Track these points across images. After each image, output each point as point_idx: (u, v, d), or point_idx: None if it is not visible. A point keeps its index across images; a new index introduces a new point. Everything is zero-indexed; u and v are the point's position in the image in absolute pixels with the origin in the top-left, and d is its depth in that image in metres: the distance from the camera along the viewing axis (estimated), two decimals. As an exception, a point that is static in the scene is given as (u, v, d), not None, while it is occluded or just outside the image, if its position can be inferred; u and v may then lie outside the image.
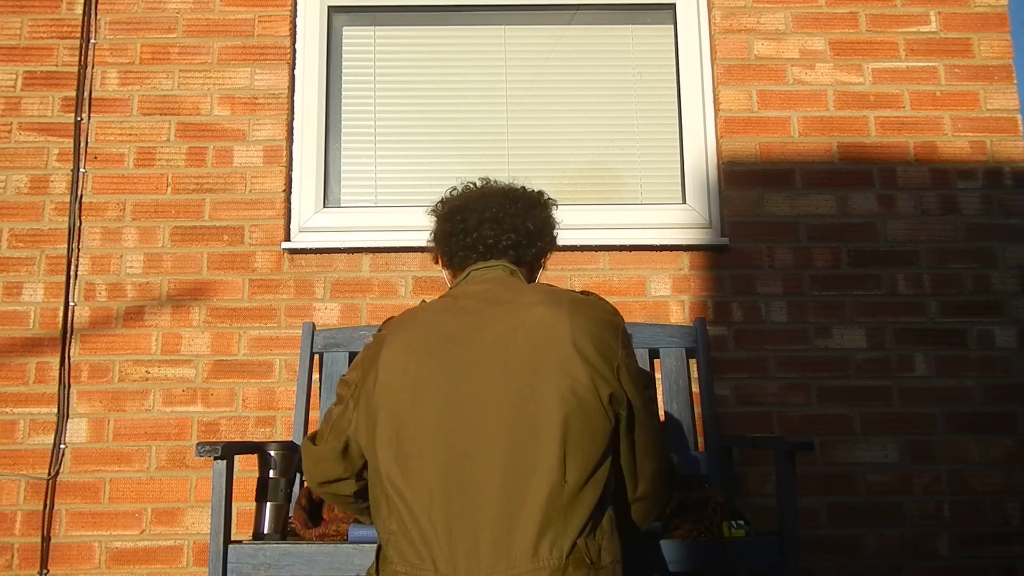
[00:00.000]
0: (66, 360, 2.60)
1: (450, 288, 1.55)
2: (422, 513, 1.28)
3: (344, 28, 2.93)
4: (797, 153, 2.74)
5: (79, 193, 2.69)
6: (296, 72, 2.82)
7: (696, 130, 2.81)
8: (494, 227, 1.53)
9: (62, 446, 2.55)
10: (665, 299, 2.66)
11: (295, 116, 2.79)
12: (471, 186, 1.65)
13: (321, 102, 2.82)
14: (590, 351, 1.34)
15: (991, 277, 2.69)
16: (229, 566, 1.90)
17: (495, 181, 1.66)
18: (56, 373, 2.59)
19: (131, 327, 2.62)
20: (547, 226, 1.62)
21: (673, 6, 2.92)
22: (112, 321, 2.63)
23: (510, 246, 1.54)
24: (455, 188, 1.67)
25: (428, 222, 1.68)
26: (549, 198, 1.67)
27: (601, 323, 1.40)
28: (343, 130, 2.86)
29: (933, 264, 2.69)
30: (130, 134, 2.73)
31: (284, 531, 2.03)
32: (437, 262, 1.66)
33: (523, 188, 1.65)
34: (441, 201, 1.66)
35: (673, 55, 2.90)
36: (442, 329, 1.39)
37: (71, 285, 2.64)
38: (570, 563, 1.24)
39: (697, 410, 2.53)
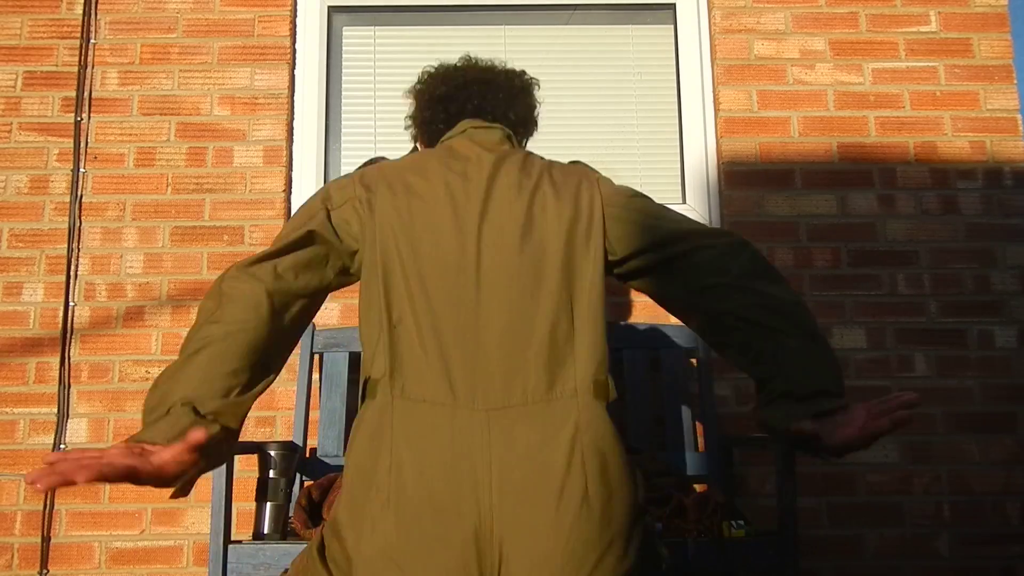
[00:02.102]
0: (66, 360, 2.60)
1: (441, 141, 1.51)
2: (432, 342, 1.24)
3: (344, 28, 2.92)
4: (797, 153, 2.74)
5: (79, 193, 2.69)
6: (296, 72, 2.82)
7: (696, 130, 2.81)
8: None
9: (62, 446, 2.55)
10: (665, 299, 2.66)
11: (295, 116, 2.79)
12: (451, 68, 1.59)
13: (321, 102, 2.82)
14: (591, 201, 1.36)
15: (991, 277, 2.69)
16: (229, 566, 1.90)
17: (476, 60, 1.61)
18: (56, 373, 2.59)
19: (131, 327, 2.62)
20: (530, 115, 1.61)
21: (673, 6, 2.92)
22: (112, 321, 2.62)
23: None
24: (434, 68, 1.61)
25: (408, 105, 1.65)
26: (531, 79, 1.64)
27: (590, 181, 1.40)
28: (343, 130, 2.86)
29: (933, 264, 2.69)
30: (130, 134, 2.73)
31: (284, 531, 2.03)
32: (416, 142, 1.63)
33: (504, 70, 1.60)
34: (420, 82, 1.60)
35: (673, 55, 2.90)
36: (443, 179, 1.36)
37: (71, 285, 2.64)
38: (587, 394, 1.24)
39: (697, 410, 2.53)
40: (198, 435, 1.06)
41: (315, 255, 1.36)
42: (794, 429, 1.24)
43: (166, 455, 1.07)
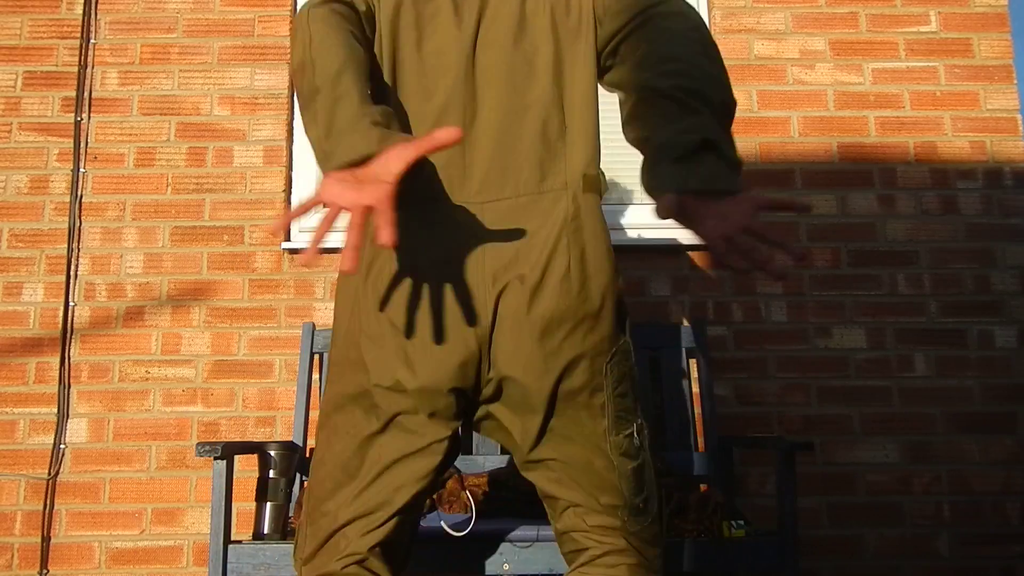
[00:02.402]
0: (66, 360, 2.60)
1: None
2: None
3: (344, 28, 2.92)
4: (797, 153, 2.74)
5: (79, 193, 2.69)
6: (296, 72, 2.82)
7: (696, 130, 2.80)
8: None
9: (62, 446, 2.55)
10: (665, 299, 2.66)
11: (295, 116, 2.79)
12: None
13: (321, 102, 2.81)
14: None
15: (991, 277, 2.69)
16: (229, 566, 1.90)
17: None
18: (56, 373, 2.59)
19: (131, 327, 2.62)
20: None
21: (673, 6, 2.92)
22: (112, 321, 2.62)
23: None
24: None
25: None
26: None
27: None
28: (343, 130, 2.85)
29: (933, 264, 2.69)
30: (130, 134, 2.73)
31: (284, 531, 2.03)
32: None
33: None
34: None
35: (673, 55, 2.90)
36: None
37: (71, 285, 2.64)
38: (576, 187, 1.28)
39: (697, 410, 2.53)
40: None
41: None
42: (665, 199, 1.16)
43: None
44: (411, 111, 1.29)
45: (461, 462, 2.31)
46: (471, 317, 1.22)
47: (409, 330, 1.22)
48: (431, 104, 1.29)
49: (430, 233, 1.25)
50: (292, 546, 1.93)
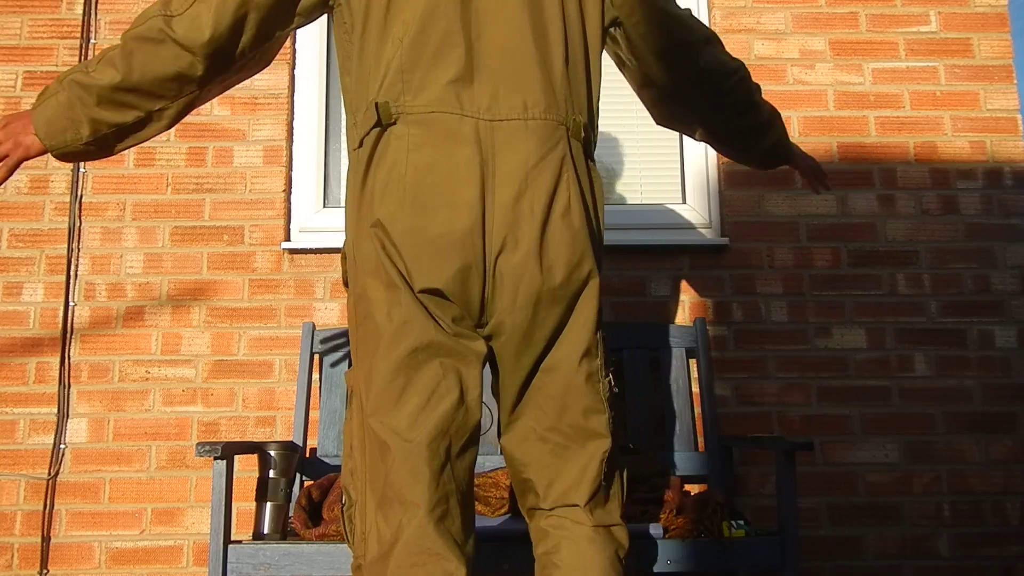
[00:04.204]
0: (66, 360, 2.60)
1: None
2: (438, 58, 1.31)
3: (344, 28, 2.92)
4: (797, 153, 2.74)
5: (79, 193, 2.69)
6: (296, 72, 2.82)
7: (696, 130, 2.81)
8: None
9: (62, 446, 2.55)
10: (665, 299, 2.66)
11: (295, 116, 2.79)
12: None
13: (321, 102, 2.82)
14: None
15: (991, 277, 2.69)
16: (229, 566, 1.90)
17: None
18: (56, 373, 2.59)
19: (131, 327, 2.62)
20: None
21: (673, 6, 2.92)
22: (112, 321, 2.63)
23: None
24: None
25: None
26: None
27: None
28: (343, 130, 2.85)
29: (933, 264, 2.69)
30: (130, 134, 2.73)
31: (284, 531, 2.03)
32: None
33: None
34: None
35: (673, 55, 2.90)
36: None
37: (71, 285, 2.64)
38: (571, 129, 1.35)
39: (697, 410, 2.53)
40: None
41: None
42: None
43: None
44: (420, 29, 1.31)
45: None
46: (475, 234, 1.26)
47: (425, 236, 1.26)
48: (437, 22, 1.31)
49: (442, 144, 1.28)
50: (292, 546, 1.93)
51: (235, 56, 1.38)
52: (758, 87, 1.70)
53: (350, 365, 1.36)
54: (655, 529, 1.93)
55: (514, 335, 1.30)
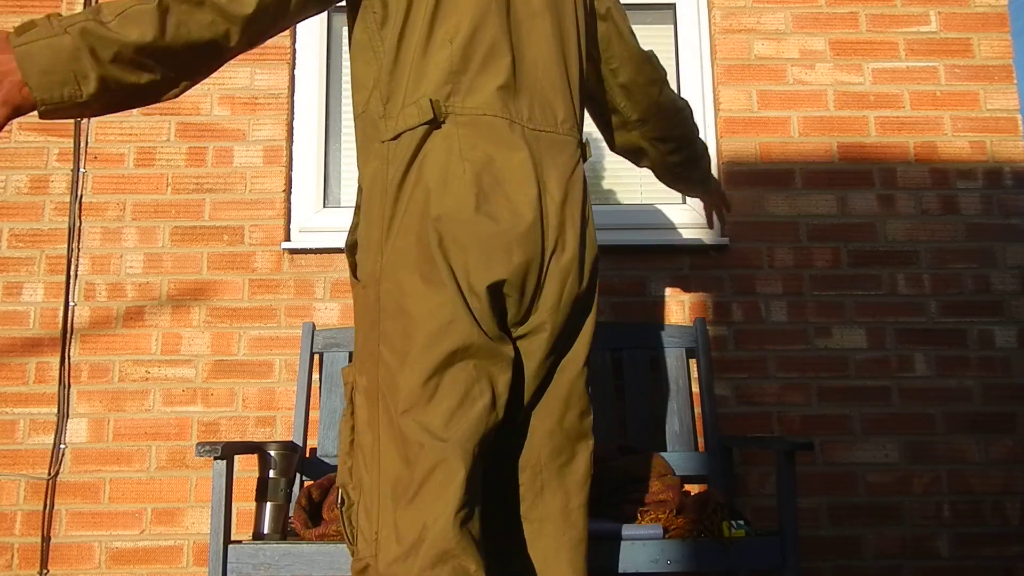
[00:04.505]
0: (66, 360, 2.60)
1: None
2: (487, 63, 1.35)
3: (344, 28, 2.93)
4: (797, 153, 2.74)
5: (79, 193, 2.69)
6: (296, 72, 2.82)
7: (696, 130, 2.81)
8: None
9: (62, 446, 2.55)
10: (665, 299, 2.66)
11: (295, 116, 2.79)
12: None
13: (321, 102, 2.82)
14: None
15: (991, 277, 2.69)
16: (229, 566, 1.90)
17: None
18: (56, 373, 2.59)
19: (131, 327, 2.62)
20: None
21: (673, 6, 2.92)
22: (112, 321, 2.63)
23: None
24: None
25: None
26: None
27: None
28: (343, 130, 2.86)
29: (933, 264, 2.69)
30: (130, 134, 2.73)
31: (284, 531, 2.03)
32: None
33: None
34: None
35: (673, 55, 2.90)
36: None
37: (71, 285, 2.64)
38: (583, 148, 1.45)
39: (697, 410, 2.53)
40: None
41: None
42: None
43: None
44: (471, 29, 1.34)
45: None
46: (536, 230, 1.31)
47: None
48: (486, 27, 1.35)
49: (498, 144, 1.32)
50: (292, 546, 1.93)
51: (271, 30, 1.32)
52: (696, 125, 1.89)
53: (350, 361, 1.35)
54: (655, 529, 1.93)
55: (551, 336, 1.34)
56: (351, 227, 1.39)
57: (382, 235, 1.30)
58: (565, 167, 1.37)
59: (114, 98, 1.23)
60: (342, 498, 1.29)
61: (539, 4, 1.40)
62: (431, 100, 1.30)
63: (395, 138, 1.32)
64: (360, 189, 1.38)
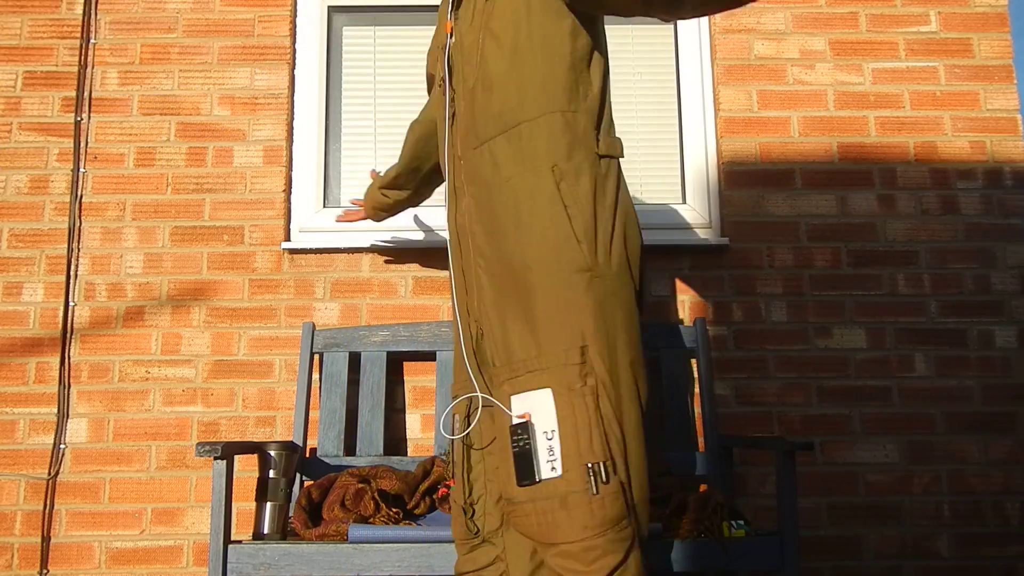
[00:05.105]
0: (66, 360, 2.60)
1: None
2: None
3: (344, 28, 2.92)
4: (797, 153, 2.74)
5: (79, 193, 2.69)
6: (296, 72, 2.82)
7: (696, 130, 2.81)
8: None
9: (62, 446, 2.55)
10: (665, 299, 2.66)
11: (295, 116, 2.79)
12: None
13: (321, 102, 2.82)
14: None
15: (991, 277, 2.69)
16: (229, 566, 1.90)
17: None
18: (56, 373, 2.59)
19: (131, 327, 2.62)
20: None
21: (673, 6, 2.92)
22: (112, 321, 2.63)
23: None
24: None
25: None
26: None
27: None
28: (343, 130, 2.86)
29: (933, 264, 2.69)
30: (130, 134, 2.73)
31: (284, 531, 2.03)
32: None
33: None
34: None
35: (673, 55, 2.90)
36: None
37: (71, 285, 2.64)
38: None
39: (697, 410, 2.53)
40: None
41: None
42: None
43: None
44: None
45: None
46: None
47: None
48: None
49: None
50: (292, 546, 1.93)
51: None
52: None
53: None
54: (654, 529, 1.93)
55: None
56: None
57: (621, 229, 1.61)
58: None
59: None
60: (608, 475, 1.48)
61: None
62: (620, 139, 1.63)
63: (607, 155, 1.58)
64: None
